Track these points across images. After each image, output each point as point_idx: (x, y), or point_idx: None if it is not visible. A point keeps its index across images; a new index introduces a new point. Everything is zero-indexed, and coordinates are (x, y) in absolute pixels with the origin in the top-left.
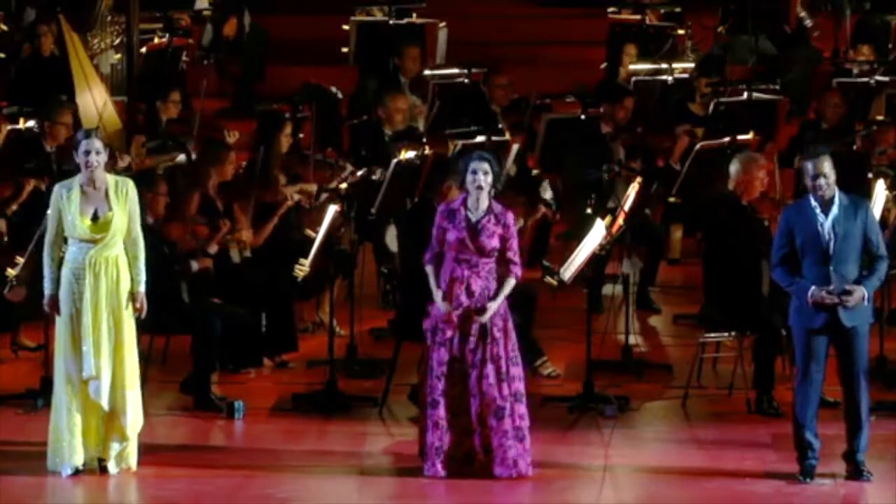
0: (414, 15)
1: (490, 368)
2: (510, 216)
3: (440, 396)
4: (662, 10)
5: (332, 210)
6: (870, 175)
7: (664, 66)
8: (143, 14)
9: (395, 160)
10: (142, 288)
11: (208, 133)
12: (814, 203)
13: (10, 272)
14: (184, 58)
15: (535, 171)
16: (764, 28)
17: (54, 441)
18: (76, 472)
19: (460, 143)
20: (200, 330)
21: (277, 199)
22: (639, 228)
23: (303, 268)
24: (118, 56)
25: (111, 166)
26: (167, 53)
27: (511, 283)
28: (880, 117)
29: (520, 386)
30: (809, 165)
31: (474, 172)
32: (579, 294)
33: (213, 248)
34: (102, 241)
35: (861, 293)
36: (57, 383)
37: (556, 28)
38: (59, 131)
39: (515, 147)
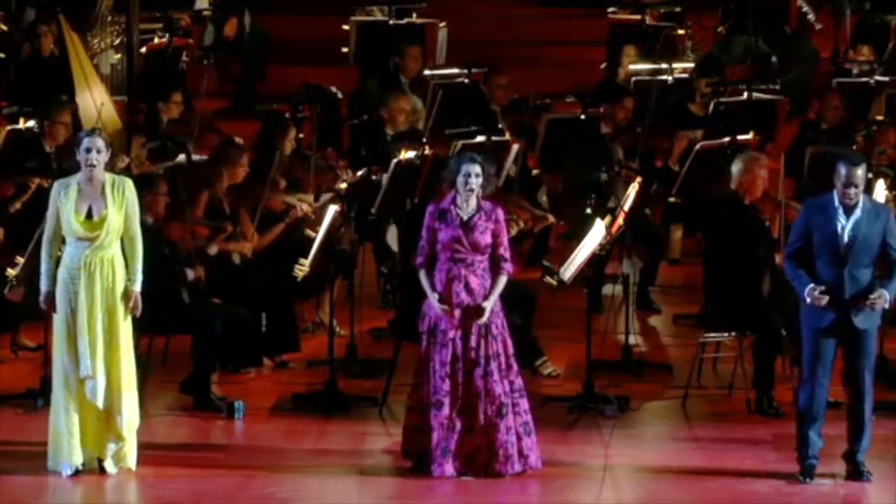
0: (414, 15)
1: (494, 365)
2: (500, 212)
3: (444, 397)
4: (662, 10)
5: (332, 210)
6: (870, 175)
7: (664, 66)
8: (143, 14)
9: (394, 160)
10: (137, 287)
11: (207, 133)
12: (837, 203)
13: (10, 272)
14: (184, 58)
15: (535, 171)
16: (764, 28)
17: (54, 441)
18: (76, 472)
19: (460, 143)
20: (200, 330)
21: (278, 207)
22: (639, 228)
23: (303, 268)
24: (118, 56)
25: (110, 167)
26: (167, 53)
27: (503, 280)
28: (880, 117)
29: (521, 381)
30: (843, 171)
31: (467, 175)
32: (579, 294)
33: (214, 250)
34: (97, 239)
35: (885, 297)
36: (55, 383)
37: (556, 28)
38: (59, 131)
39: (515, 147)
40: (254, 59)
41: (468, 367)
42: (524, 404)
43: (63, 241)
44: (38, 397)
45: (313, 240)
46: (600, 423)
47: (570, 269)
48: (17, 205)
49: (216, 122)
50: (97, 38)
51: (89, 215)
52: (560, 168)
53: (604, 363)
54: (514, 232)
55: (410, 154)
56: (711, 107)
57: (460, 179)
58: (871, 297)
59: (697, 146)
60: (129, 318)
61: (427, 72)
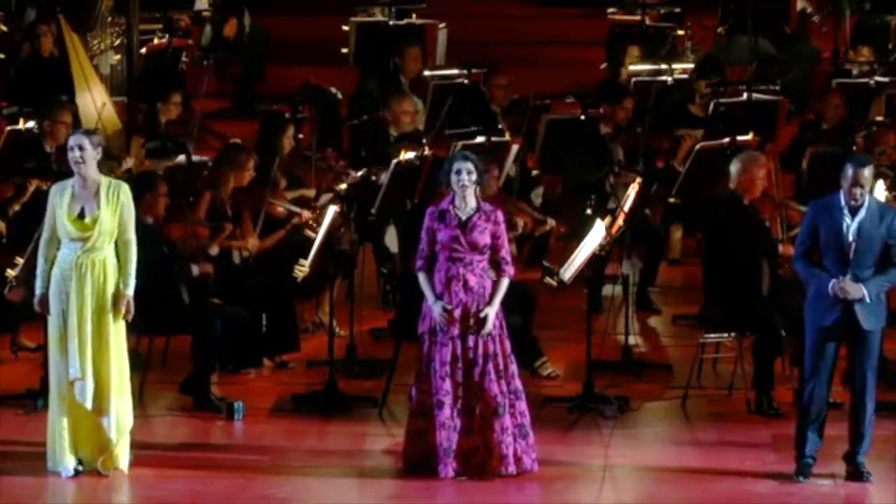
0: (414, 15)
1: (490, 365)
2: (500, 214)
3: (444, 397)
4: (662, 11)
5: (332, 210)
6: None
7: (664, 66)
8: (143, 14)
9: (394, 161)
10: (129, 291)
11: (206, 134)
12: (843, 203)
13: (10, 273)
14: (184, 58)
15: (534, 172)
16: (764, 28)
17: (52, 441)
18: (76, 473)
19: (460, 143)
20: (200, 330)
21: (280, 214)
22: (639, 229)
23: (302, 268)
24: (118, 57)
25: (111, 169)
26: (167, 54)
27: (505, 284)
28: (880, 118)
29: (518, 383)
30: (850, 171)
31: (458, 173)
32: (579, 294)
33: (215, 250)
34: (89, 240)
35: (861, 291)
36: (51, 384)
37: (556, 28)
38: (60, 131)
39: (515, 147)
40: (254, 60)
41: (467, 366)
42: (520, 406)
43: (59, 244)
44: (38, 398)
45: (313, 240)
46: (600, 424)
47: (569, 270)
48: (16, 206)
49: (213, 123)
50: (97, 39)
51: (81, 215)
52: (560, 168)
53: (604, 363)
54: (514, 234)
55: (410, 155)
56: (711, 107)
57: (453, 178)
58: (841, 284)
59: (697, 146)
60: (121, 321)
61: (427, 72)
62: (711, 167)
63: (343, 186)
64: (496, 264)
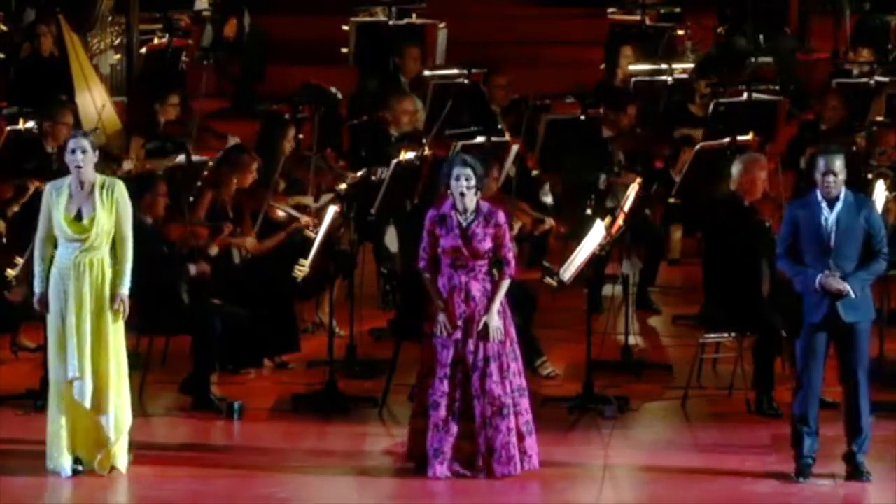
0: (414, 15)
1: (493, 366)
2: (501, 215)
3: (440, 398)
4: (662, 11)
5: (332, 210)
6: (869, 175)
7: (664, 66)
8: (143, 14)
9: (394, 161)
10: (124, 290)
11: (205, 134)
12: (819, 198)
13: (10, 273)
14: (183, 58)
15: (534, 172)
16: (764, 28)
17: (50, 442)
18: (76, 472)
19: (460, 143)
20: (200, 330)
21: (281, 218)
22: (639, 229)
23: (302, 268)
24: (118, 56)
25: (113, 171)
26: (167, 54)
27: (506, 284)
28: (880, 118)
29: (521, 381)
30: (822, 162)
31: (457, 178)
32: (579, 294)
33: (214, 250)
34: (87, 241)
35: (844, 286)
36: (50, 383)
37: (556, 28)
38: (61, 131)
39: (515, 147)
40: (254, 60)
41: (467, 369)
42: (525, 403)
43: (56, 243)
44: (37, 397)
45: (313, 240)
46: (600, 424)
47: (570, 270)
48: (16, 207)
49: (213, 123)
50: (97, 39)
51: (78, 217)
52: (560, 169)
53: (603, 363)
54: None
55: (410, 155)
56: (711, 107)
57: (453, 183)
58: (827, 277)
59: (697, 147)
60: (121, 320)
61: (427, 72)
62: (711, 167)
63: (343, 186)
64: (498, 264)
